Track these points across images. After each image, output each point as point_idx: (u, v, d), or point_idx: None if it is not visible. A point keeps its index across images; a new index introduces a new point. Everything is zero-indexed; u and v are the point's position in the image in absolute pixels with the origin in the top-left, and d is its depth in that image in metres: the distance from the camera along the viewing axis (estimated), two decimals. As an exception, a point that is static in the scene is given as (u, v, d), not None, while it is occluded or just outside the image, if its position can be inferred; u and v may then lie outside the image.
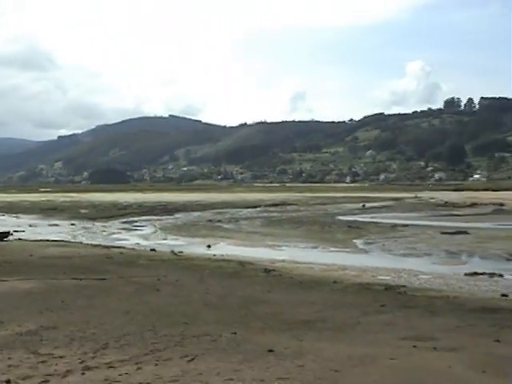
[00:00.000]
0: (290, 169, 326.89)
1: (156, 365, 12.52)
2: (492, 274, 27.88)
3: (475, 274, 28.03)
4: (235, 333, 15.46)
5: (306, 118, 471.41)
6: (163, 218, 71.61)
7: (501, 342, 14.87)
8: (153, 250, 36.89)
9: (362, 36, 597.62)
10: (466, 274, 28.00)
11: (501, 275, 27.70)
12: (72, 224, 64.57)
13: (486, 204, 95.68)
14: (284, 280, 25.58)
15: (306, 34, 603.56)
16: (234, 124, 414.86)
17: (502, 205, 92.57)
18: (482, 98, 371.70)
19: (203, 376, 11.69)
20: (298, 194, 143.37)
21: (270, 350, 13.65)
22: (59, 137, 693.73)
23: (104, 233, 55.63)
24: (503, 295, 22.40)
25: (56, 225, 64.22)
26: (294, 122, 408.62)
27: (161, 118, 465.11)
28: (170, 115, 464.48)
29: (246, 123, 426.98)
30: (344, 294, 22.17)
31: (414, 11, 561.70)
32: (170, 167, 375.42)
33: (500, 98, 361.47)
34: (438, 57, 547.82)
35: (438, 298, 21.48)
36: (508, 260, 33.73)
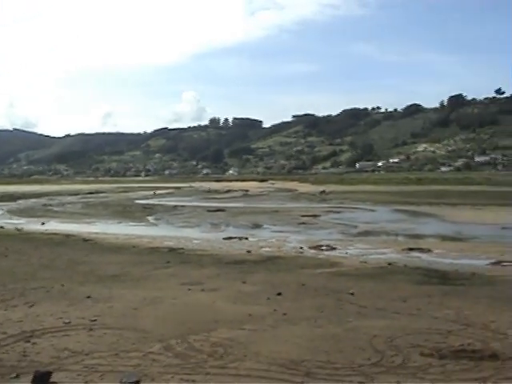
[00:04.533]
0: (102, 167, 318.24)
1: (6, 310, 12.20)
2: (241, 238, 28.44)
3: (230, 238, 28.52)
4: (63, 285, 15.14)
5: (113, 130, 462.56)
6: (9, 203, 67.31)
7: (246, 283, 15.55)
8: (1, 227, 34.79)
9: (154, 73, 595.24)
10: (224, 238, 28.35)
11: (246, 238, 28.35)
12: None
13: (236, 191, 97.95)
14: (98, 246, 25.06)
15: (114, 71, 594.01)
16: (61, 135, 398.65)
17: (247, 191, 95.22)
18: (234, 118, 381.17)
19: (40, 317, 11.48)
20: (107, 185, 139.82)
21: (88, 297, 13.52)
22: None
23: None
24: (248, 251, 23.00)
25: None
26: (104, 133, 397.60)
27: (7, 130, 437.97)
28: (14, 128, 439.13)
29: (69, 134, 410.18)
30: (140, 255, 22.09)
31: (190, 57, 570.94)
32: (14, 166, 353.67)
33: (246, 118, 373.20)
34: (204, 89, 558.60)
35: (205, 256, 21.84)
36: (251, 228, 34.80)
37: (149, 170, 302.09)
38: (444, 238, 29.40)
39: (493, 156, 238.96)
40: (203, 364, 8.56)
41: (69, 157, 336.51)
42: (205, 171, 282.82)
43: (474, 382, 7.70)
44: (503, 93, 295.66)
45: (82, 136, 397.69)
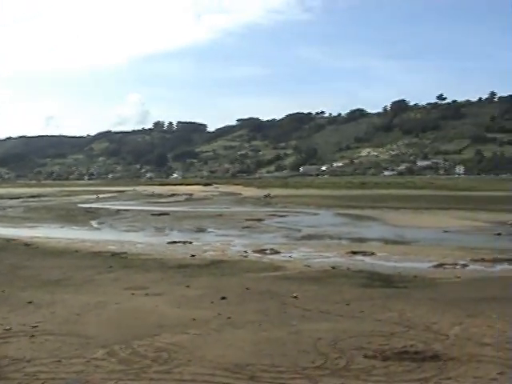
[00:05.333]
0: (44, 170, 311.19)
1: None
2: (185, 242, 28.25)
3: (174, 242, 28.32)
4: (4, 291, 14.76)
5: (56, 133, 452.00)
6: None
7: (190, 287, 15.49)
8: None
9: (98, 75, 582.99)
10: (168, 242, 28.13)
11: (190, 242, 28.18)
12: None
13: (180, 194, 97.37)
14: (40, 251, 24.48)
15: (57, 73, 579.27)
16: (2, 137, 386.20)
17: (191, 195, 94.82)
18: (178, 121, 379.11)
19: (-21, 325, 11.11)
20: (50, 189, 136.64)
21: (30, 302, 13.20)
22: None
23: None
24: (192, 255, 22.86)
25: None
26: (47, 136, 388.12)
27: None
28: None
29: (11, 137, 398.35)
30: (83, 260, 21.70)
31: (135, 60, 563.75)
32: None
33: (191, 122, 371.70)
34: (149, 92, 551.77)
35: (149, 260, 21.64)
36: (195, 232, 34.65)
37: (92, 174, 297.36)
38: (387, 241, 29.96)
39: (434, 161, 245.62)
40: (147, 369, 8.47)
41: (10, 160, 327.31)
42: (149, 175, 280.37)
43: (416, 382, 7.86)
44: (445, 98, 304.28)
45: (24, 139, 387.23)
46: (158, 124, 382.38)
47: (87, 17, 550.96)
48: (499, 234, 31.30)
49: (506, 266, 20.50)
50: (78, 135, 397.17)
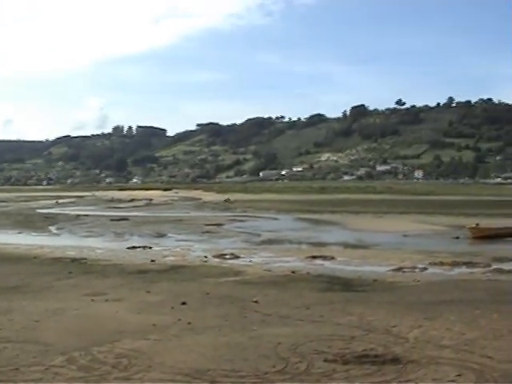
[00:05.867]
0: (2, 175, 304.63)
1: None
2: (145, 247, 28.10)
3: (134, 247, 28.09)
4: (-42, 299, 14.40)
5: (14, 137, 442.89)
6: None
7: (150, 293, 15.40)
8: None
9: (57, 79, 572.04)
10: (127, 248, 27.89)
11: (150, 247, 28.01)
12: None
13: (140, 199, 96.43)
14: (-4, 257, 24.02)
15: (15, 76, 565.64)
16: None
17: (151, 200, 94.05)
18: (138, 126, 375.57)
19: None
20: (7, 194, 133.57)
21: (-14, 310, 12.94)
22: None
23: None
24: (152, 261, 22.75)
25: None
26: (5, 140, 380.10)
27: None
28: None
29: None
30: (42, 266, 21.36)
31: (94, 64, 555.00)
32: None
33: (150, 126, 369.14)
34: (108, 97, 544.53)
35: (108, 266, 21.42)
36: (155, 237, 34.32)
37: (51, 179, 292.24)
38: (347, 245, 30.25)
39: (393, 165, 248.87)
40: (107, 376, 8.39)
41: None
42: (108, 180, 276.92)
43: None
44: (404, 104, 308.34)
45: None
46: (117, 128, 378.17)
47: (47, 20, 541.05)
48: (457, 238, 31.93)
49: (463, 269, 20.86)
50: (36, 139, 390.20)
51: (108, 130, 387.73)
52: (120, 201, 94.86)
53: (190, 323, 11.66)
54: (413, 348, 9.68)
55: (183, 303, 13.74)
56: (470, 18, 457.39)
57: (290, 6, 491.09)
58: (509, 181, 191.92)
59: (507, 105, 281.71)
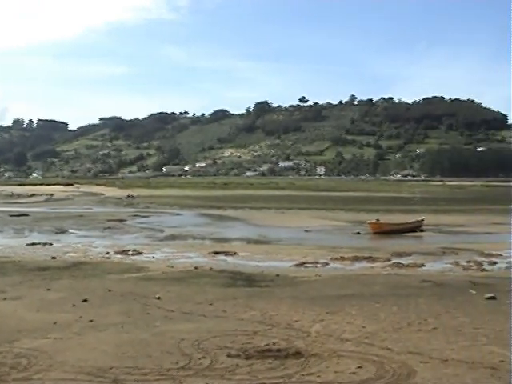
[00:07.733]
0: None
1: None
2: (45, 244, 27.06)
3: (34, 243, 27.05)
4: None
5: None
6: None
7: (51, 290, 14.92)
8: None
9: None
10: (27, 244, 26.76)
11: (51, 244, 27.06)
12: None
13: (41, 195, 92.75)
14: None
15: None
16: None
17: (52, 195, 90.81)
18: (39, 119, 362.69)
19: None
20: None
21: None
22: None
23: None
24: (52, 257, 21.98)
25: None
26: None
27: None
28: None
29: None
30: None
31: None
32: None
33: (52, 120, 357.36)
34: (7, 88, 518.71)
35: (8, 263, 20.39)
36: (56, 233, 33.11)
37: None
38: (249, 241, 30.44)
39: (296, 161, 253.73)
40: (6, 377, 8.06)
41: None
42: (7, 174, 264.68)
43: (279, 379, 8.01)
44: (307, 101, 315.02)
45: None
46: (17, 122, 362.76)
47: None
48: (358, 233, 32.86)
49: (364, 263, 21.33)
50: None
51: (8, 122, 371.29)
52: (20, 196, 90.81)
53: (91, 321, 11.41)
54: (315, 342, 9.86)
55: (85, 300, 13.41)
56: (373, 21, 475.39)
57: (197, 1, 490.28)
58: (408, 178, 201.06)
59: (407, 104, 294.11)
